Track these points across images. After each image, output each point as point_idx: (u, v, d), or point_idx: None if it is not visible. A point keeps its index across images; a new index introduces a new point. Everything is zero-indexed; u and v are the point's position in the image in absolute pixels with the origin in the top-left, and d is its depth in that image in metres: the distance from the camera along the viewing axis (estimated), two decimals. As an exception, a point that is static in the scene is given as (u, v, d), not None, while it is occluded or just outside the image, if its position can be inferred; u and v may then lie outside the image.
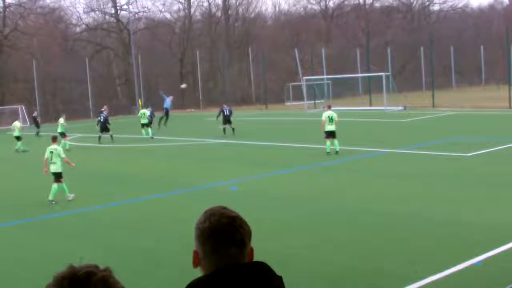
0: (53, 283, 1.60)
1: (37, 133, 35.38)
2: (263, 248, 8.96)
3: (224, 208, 2.11)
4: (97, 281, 1.58)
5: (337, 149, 19.43)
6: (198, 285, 1.99)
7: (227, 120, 28.92)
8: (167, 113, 34.05)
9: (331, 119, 19.57)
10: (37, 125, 36.39)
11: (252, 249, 2.05)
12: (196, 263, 2.08)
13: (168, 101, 34.79)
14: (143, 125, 30.24)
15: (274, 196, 13.23)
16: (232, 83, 62.67)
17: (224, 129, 28.76)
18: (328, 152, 19.43)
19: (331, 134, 19.54)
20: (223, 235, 2.00)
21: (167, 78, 68.00)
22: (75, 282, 1.57)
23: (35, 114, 37.76)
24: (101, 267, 1.64)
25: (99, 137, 28.54)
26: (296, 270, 8.01)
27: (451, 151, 18.61)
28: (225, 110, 29.35)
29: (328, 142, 19.62)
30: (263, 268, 1.99)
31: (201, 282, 1.99)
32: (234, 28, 71.44)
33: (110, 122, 29.31)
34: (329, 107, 20.86)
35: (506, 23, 48.80)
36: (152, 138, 28.90)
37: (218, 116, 30.31)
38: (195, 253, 2.08)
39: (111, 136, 28.66)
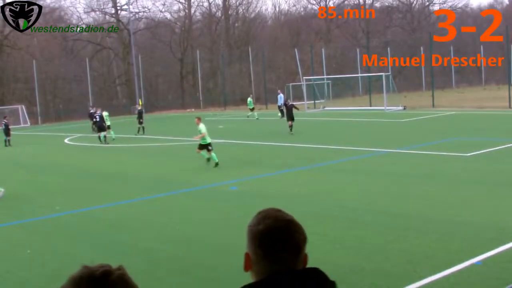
0: (70, 284, 1.60)
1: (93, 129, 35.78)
2: (263, 248, 8.96)
3: (279, 210, 1.99)
4: (115, 279, 1.59)
5: (215, 160, 18.32)
6: None
7: (290, 116, 27.64)
8: (281, 110, 36.19)
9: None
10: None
11: (306, 255, 1.95)
12: (247, 267, 1.96)
13: (280, 97, 38.36)
14: (108, 127, 30.50)
15: (274, 196, 13.22)
16: (232, 83, 62.67)
17: (290, 127, 27.47)
18: (209, 159, 18.41)
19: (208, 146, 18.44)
20: (277, 239, 1.89)
21: (167, 78, 68.05)
22: (94, 282, 1.58)
23: (92, 110, 37.60)
24: (114, 266, 1.65)
25: (99, 137, 28.62)
26: (296, 270, 8.00)
27: (451, 151, 18.60)
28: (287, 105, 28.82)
29: (203, 152, 18.59)
30: (318, 274, 1.91)
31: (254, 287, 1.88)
32: (234, 28, 71.46)
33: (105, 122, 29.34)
34: (199, 120, 18.86)
35: (506, 23, 48.74)
36: (114, 139, 29.33)
37: (282, 116, 30.79)
38: (247, 256, 1.96)
39: (105, 137, 28.55)
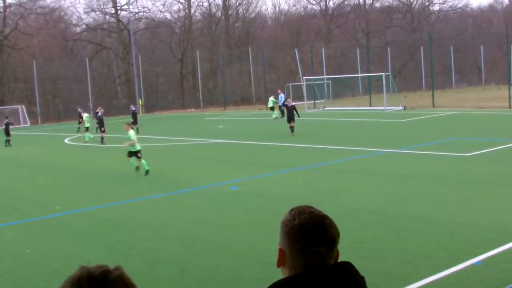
0: (69, 285, 1.60)
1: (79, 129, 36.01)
2: (263, 248, 8.97)
3: (311, 207, 2.03)
4: (115, 278, 1.60)
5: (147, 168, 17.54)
6: (285, 285, 1.88)
7: (291, 117, 26.48)
8: (282, 111, 35.96)
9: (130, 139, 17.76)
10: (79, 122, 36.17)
11: (338, 251, 1.98)
12: (281, 262, 1.97)
13: (281, 97, 38.36)
14: (86, 129, 30.51)
15: (274, 196, 13.23)
16: (232, 83, 62.70)
17: (291, 128, 26.36)
18: (139, 167, 17.63)
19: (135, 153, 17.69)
20: (314, 233, 1.92)
21: (167, 78, 68.06)
22: (94, 282, 1.58)
23: (94, 112, 37.76)
24: (112, 266, 1.66)
25: (101, 138, 28.61)
26: (296, 270, 7.99)
27: (451, 151, 18.60)
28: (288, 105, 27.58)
29: (132, 160, 17.76)
30: (350, 269, 1.93)
31: (288, 282, 1.89)
32: (234, 28, 71.46)
33: (103, 123, 29.22)
34: (129, 126, 18.53)
35: (506, 23, 48.79)
36: (85, 142, 29.22)
37: (282, 115, 29.32)
38: (281, 252, 1.96)
39: (102, 138, 28.50)
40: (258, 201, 12.85)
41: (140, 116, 52.35)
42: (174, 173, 17.93)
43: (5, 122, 31.58)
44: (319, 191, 13.66)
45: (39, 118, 53.32)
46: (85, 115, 31.68)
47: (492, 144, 19.39)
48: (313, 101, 47.19)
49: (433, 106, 38.94)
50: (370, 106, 42.82)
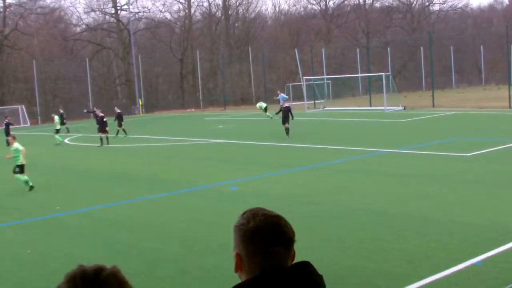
0: (65, 282, 1.63)
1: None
2: (263, 248, 8.96)
3: (264, 209, 2.01)
4: (107, 275, 1.63)
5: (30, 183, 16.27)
6: None
7: (285, 119, 25.70)
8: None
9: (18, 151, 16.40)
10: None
11: (294, 251, 1.97)
12: (239, 267, 1.93)
13: (281, 97, 38.35)
14: (57, 131, 30.71)
15: (274, 196, 13.23)
16: (232, 83, 62.68)
17: (286, 130, 25.53)
18: (28, 181, 16.32)
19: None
20: (269, 234, 1.90)
21: (167, 78, 68.07)
22: (87, 279, 1.62)
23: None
24: (109, 266, 1.69)
25: (100, 138, 28.51)
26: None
27: (451, 151, 18.61)
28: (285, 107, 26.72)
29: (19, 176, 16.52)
30: (307, 268, 1.92)
31: (244, 286, 1.86)
32: (234, 28, 71.43)
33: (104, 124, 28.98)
34: (13, 138, 17.07)
35: (506, 23, 48.77)
36: (59, 144, 29.23)
37: (277, 113, 28.07)
38: (238, 256, 1.92)
39: (107, 138, 28.20)
40: (258, 201, 12.84)
41: (140, 116, 52.47)
42: (174, 173, 17.94)
43: (5, 122, 31.56)
44: (319, 191, 13.66)
45: (39, 118, 53.28)
46: (56, 117, 31.55)
47: (492, 144, 19.39)
48: (313, 101, 47.17)
49: (433, 106, 38.94)
50: (370, 106, 42.80)
